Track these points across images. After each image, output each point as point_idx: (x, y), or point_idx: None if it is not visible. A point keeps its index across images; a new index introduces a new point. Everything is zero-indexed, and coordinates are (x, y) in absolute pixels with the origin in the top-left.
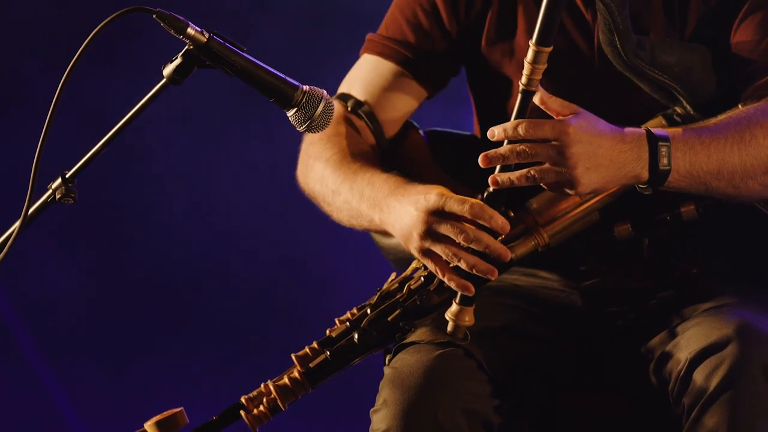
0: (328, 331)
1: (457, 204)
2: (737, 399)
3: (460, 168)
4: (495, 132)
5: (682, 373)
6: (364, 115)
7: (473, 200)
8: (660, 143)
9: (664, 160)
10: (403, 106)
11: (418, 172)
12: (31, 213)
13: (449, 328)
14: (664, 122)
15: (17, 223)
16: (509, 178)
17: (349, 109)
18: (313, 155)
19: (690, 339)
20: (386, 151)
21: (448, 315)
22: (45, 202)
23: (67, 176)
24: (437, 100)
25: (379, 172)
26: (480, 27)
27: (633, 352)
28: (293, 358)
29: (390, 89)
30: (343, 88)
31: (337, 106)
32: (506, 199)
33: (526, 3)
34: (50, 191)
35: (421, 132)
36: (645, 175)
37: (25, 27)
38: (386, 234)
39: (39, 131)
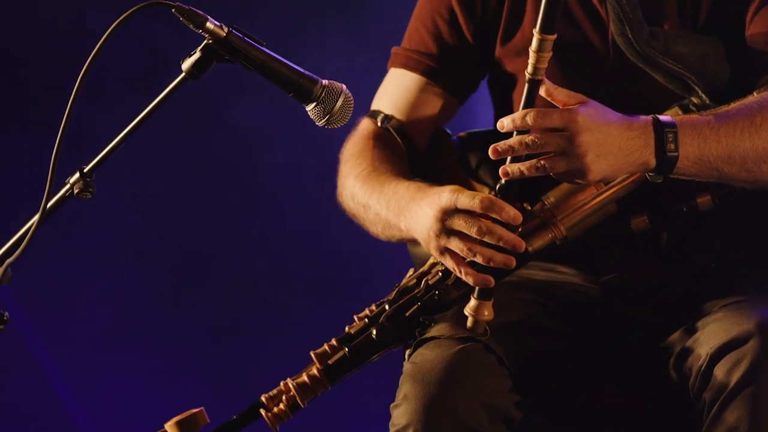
0: (347, 328)
1: (467, 199)
2: (759, 394)
3: (487, 166)
4: (504, 123)
5: (702, 368)
6: (393, 129)
7: (482, 194)
8: (666, 129)
9: (671, 146)
10: (431, 116)
11: (446, 181)
12: (50, 207)
13: (469, 323)
14: (680, 112)
15: (36, 217)
16: (519, 168)
17: (379, 124)
18: (345, 173)
19: (710, 334)
20: (420, 163)
21: (467, 310)
22: (63, 197)
23: (85, 171)
24: None
25: (404, 181)
26: (496, 25)
27: (652, 347)
28: (312, 355)
29: (418, 101)
30: (373, 106)
31: (368, 122)
32: (520, 191)
33: None
34: (68, 186)
35: (453, 138)
36: (652, 161)
37: (42, 21)
38: (416, 242)
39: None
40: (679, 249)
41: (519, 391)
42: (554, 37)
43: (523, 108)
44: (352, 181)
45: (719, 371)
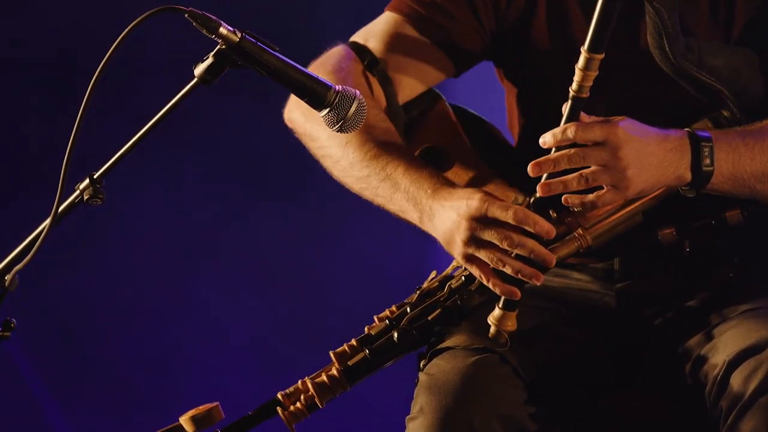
0: (366, 329)
1: (500, 210)
2: None
3: (486, 147)
4: (546, 139)
5: (719, 375)
6: (377, 74)
7: (516, 206)
8: (703, 143)
9: (707, 161)
10: (423, 74)
11: (446, 146)
12: (60, 212)
13: (491, 332)
14: (710, 125)
15: (47, 222)
16: (562, 182)
17: (366, 63)
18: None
19: (728, 341)
20: (411, 121)
21: (491, 319)
22: (72, 203)
23: (95, 177)
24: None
25: (416, 162)
26: (526, 19)
27: (669, 355)
28: (331, 355)
29: (411, 54)
30: (358, 38)
31: (352, 57)
32: (554, 204)
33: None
34: (78, 192)
35: (447, 104)
36: (688, 175)
37: (54, 27)
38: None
39: (70, 131)
40: (702, 260)
41: (535, 402)
42: (602, 56)
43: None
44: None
45: (736, 379)
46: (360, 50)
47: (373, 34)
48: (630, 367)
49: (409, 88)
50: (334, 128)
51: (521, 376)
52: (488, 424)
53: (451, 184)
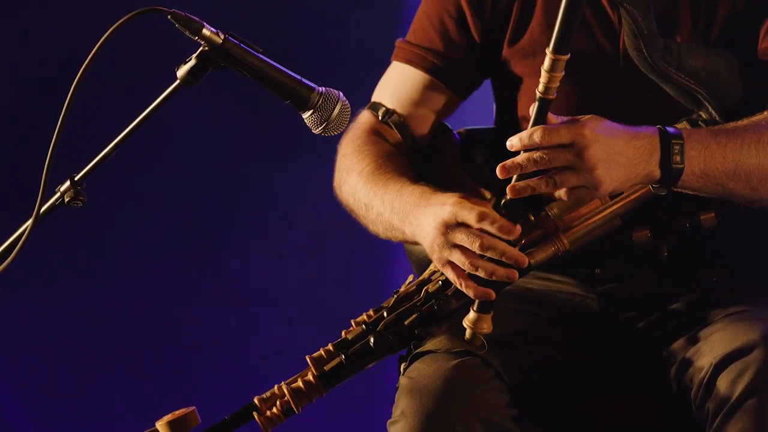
0: (343, 333)
1: (467, 212)
2: (763, 405)
3: (486, 164)
4: (512, 143)
5: (705, 378)
6: (394, 125)
7: (480, 208)
8: (673, 141)
9: (677, 158)
10: (434, 113)
11: (445, 178)
12: (41, 214)
13: (467, 335)
14: (688, 126)
15: (28, 222)
16: (529, 185)
17: (380, 118)
18: (346, 168)
19: (714, 344)
20: (420, 159)
21: (466, 322)
22: (53, 205)
23: (76, 179)
24: None
25: (409, 182)
26: (504, 26)
27: (653, 357)
28: (308, 360)
29: (420, 97)
30: (374, 98)
31: (368, 116)
32: (527, 205)
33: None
34: (59, 194)
35: (454, 134)
36: (657, 172)
37: (36, 28)
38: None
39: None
40: (680, 263)
41: (517, 405)
42: (567, 57)
43: (533, 126)
44: (355, 178)
45: (722, 381)
46: (374, 107)
47: (384, 88)
48: (613, 370)
49: (425, 128)
50: (318, 130)
51: (503, 379)
52: (470, 427)
53: (432, 192)
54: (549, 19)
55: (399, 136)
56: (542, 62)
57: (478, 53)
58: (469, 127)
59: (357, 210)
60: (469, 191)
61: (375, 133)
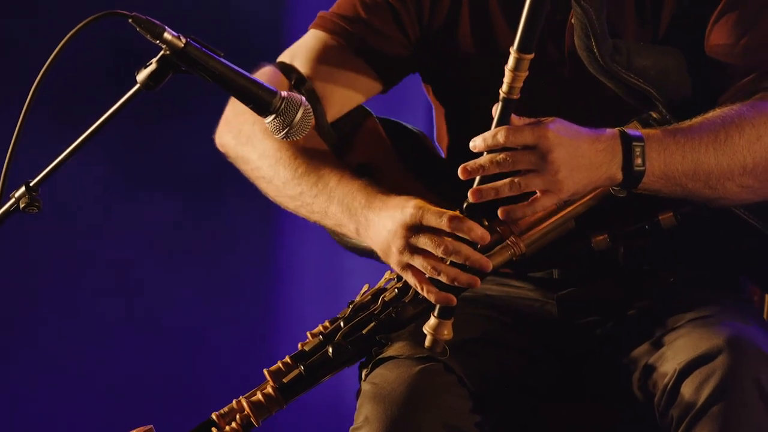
0: (300, 345)
1: (434, 217)
2: (729, 410)
3: (418, 162)
4: (476, 143)
5: (669, 384)
6: (305, 93)
7: (450, 212)
8: (634, 143)
9: (638, 160)
10: (351, 91)
11: (377, 163)
12: None
13: (427, 342)
14: (639, 127)
15: None
16: (493, 188)
17: (292, 83)
18: (260, 126)
19: (678, 349)
20: (341, 139)
21: (427, 328)
22: (7, 211)
23: (31, 185)
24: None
25: (348, 174)
26: (450, 27)
27: (615, 363)
28: (266, 373)
29: (338, 70)
30: (284, 58)
31: (279, 77)
32: (486, 209)
33: (490, 4)
34: (13, 200)
35: (377, 119)
36: (619, 175)
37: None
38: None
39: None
40: (638, 265)
41: (480, 411)
42: (532, 56)
43: (496, 127)
44: (272, 143)
45: (687, 387)
46: (286, 69)
47: (299, 53)
48: (575, 375)
49: (338, 105)
50: (280, 135)
51: (466, 385)
52: None
53: (385, 193)
54: (489, 24)
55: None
56: (477, 70)
57: (409, 49)
58: (386, 117)
59: (265, 175)
60: (407, 189)
61: None
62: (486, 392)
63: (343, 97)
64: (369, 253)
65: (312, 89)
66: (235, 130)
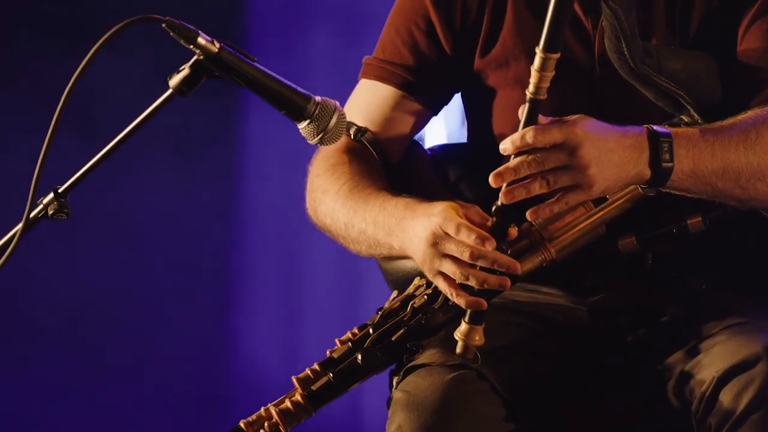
0: (328, 352)
1: (449, 223)
2: None
3: (462, 180)
4: (506, 146)
5: (708, 392)
6: (367, 142)
7: (460, 221)
8: (662, 139)
9: (666, 156)
10: (406, 128)
11: (424, 190)
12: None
13: (459, 348)
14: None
15: (20, 225)
16: (523, 189)
17: (353, 137)
18: (321, 188)
19: (715, 357)
20: (395, 177)
21: (458, 335)
22: (35, 218)
23: (60, 191)
24: None
25: (390, 196)
26: (475, 37)
27: (649, 370)
28: (294, 380)
29: (391, 113)
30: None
31: None
32: (517, 213)
33: (517, 5)
34: (41, 206)
35: (425, 148)
36: (647, 172)
37: (29, 37)
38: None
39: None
40: (666, 270)
41: (513, 419)
42: (558, 56)
43: (524, 128)
44: (332, 198)
45: (726, 395)
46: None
47: (353, 107)
48: (608, 382)
49: (398, 145)
50: (315, 140)
51: (499, 393)
52: None
53: (417, 203)
54: (521, 26)
55: (374, 154)
56: (515, 72)
57: (449, 66)
58: (439, 144)
59: (336, 231)
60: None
61: (348, 152)
62: (517, 399)
63: (403, 137)
64: (419, 273)
65: (372, 138)
66: (311, 210)
